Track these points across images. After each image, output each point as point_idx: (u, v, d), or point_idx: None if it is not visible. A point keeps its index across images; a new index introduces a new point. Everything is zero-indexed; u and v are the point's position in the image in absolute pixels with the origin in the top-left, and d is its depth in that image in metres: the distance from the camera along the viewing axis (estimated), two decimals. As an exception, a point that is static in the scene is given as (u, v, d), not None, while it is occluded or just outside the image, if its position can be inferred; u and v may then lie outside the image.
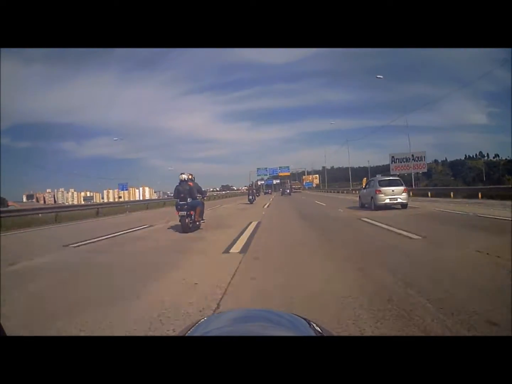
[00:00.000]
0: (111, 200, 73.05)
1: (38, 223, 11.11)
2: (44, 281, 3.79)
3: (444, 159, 73.32)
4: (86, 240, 6.68)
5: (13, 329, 2.07)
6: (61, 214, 12.80)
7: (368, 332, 2.07)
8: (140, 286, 3.35)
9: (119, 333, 2.24)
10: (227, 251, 5.08)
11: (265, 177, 64.82)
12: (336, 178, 66.83)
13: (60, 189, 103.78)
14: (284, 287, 3.08)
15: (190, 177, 8.19)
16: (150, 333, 2.22)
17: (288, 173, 63.41)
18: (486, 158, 65.49)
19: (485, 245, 4.33)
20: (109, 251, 5.72)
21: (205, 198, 9.92)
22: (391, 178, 12.35)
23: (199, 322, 0.82)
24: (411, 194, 19.58)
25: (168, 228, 8.39)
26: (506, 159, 55.14)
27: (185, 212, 7.36)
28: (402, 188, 11.06)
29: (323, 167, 66.47)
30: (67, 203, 70.76)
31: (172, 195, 12.07)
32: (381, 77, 28.37)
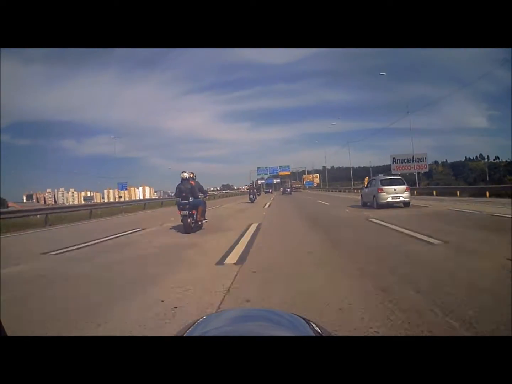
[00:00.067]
0: (111, 200, 73.02)
1: (28, 225, 10.64)
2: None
3: (445, 160, 73.43)
4: (68, 247, 6.14)
5: None
6: (54, 215, 12.37)
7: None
8: (107, 309, 2.85)
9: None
10: (221, 262, 4.43)
11: (265, 176, 64.75)
12: (337, 178, 66.97)
13: (60, 189, 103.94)
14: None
15: (191, 175, 8.06)
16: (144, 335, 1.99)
17: (289, 172, 63.42)
18: (486, 160, 65.42)
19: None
20: (87, 260, 5.06)
21: (206, 197, 9.85)
22: (393, 177, 12.46)
23: (198, 322, 0.82)
24: (415, 193, 19.60)
25: (159, 232, 7.93)
26: (506, 161, 55.10)
27: (187, 212, 7.25)
28: (404, 186, 11.16)
29: (324, 167, 66.62)
30: (67, 203, 70.83)
31: (172, 194, 11.98)
32: (384, 74, 28.24)
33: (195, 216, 7.49)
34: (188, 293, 3.19)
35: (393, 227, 6.56)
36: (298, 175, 75.18)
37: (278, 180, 66.41)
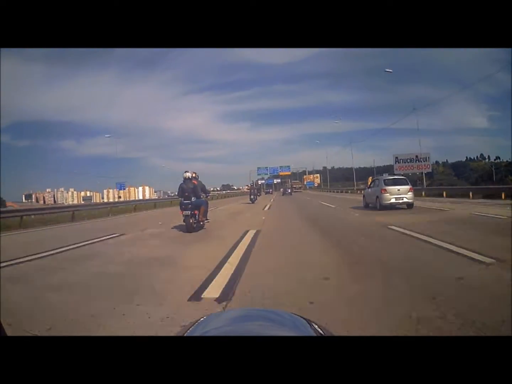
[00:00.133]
0: (111, 200, 73.02)
1: (4, 227, 9.51)
2: None
3: (445, 161, 73.49)
4: (29, 255, 5.09)
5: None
6: (36, 217, 11.67)
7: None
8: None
9: None
10: (197, 295, 2.94)
11: (266, 177, 64.72)
12: (337, 178, 67.07)
13: (60, 189, 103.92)
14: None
15: (194, 175, 8.02)
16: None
17: (289, 173, 63.41)
18: (487, 160, 65.47)
19: None
20: (36, 277, 3.95)
21: (208, 197, 9.83)
22: (396, 177, 12.14)
23: (198, 322, 0.81)
24: (423, 194, 19.01)
25: (138, 240, 6.75)
26: (507, 161, 55.10)
27: (190, 212, 7.25)
28: (408, 187, 10.88)
29: (324, 167, 66.64)
30: (66, 203, 70.85)
31: (173, 194, 11.88)
32: (391, 71, 27.85)
33: (197, 216, 7.49)
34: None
35: (423, 237, 5.31)
36: (298, 175, 75.25)
37: (279, 180, 66.45)
